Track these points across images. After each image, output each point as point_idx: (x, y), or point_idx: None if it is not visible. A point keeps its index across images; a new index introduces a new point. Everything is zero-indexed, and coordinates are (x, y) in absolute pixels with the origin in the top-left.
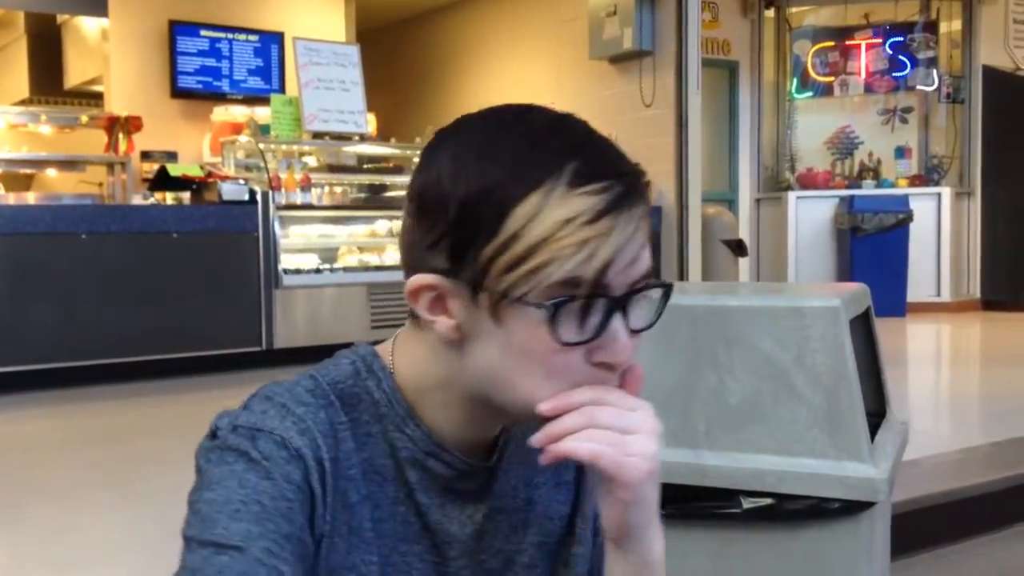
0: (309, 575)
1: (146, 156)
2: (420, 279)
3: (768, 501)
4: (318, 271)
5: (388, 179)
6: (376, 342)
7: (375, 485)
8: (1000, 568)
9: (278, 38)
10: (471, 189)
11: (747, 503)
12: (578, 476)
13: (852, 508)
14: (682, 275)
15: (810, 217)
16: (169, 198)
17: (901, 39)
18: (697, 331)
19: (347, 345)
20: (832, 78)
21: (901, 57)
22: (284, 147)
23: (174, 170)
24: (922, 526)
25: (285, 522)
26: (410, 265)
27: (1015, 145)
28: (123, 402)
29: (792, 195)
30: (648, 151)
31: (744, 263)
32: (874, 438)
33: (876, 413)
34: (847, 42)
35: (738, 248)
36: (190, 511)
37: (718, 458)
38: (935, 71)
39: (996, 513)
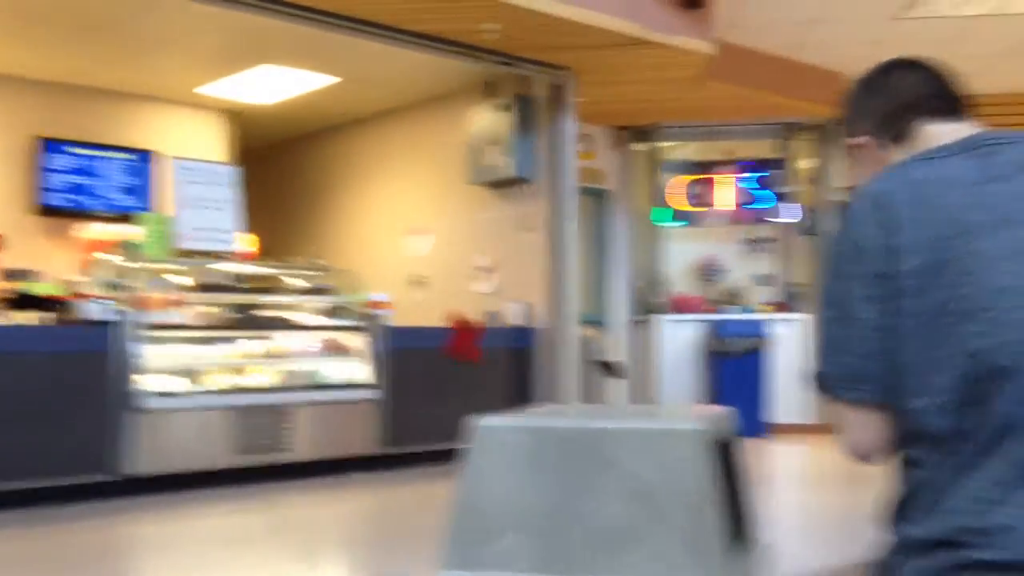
0: None
1: (9, 276)
2: None
3: None
4: (181, 393)
5: (262, 299)
6: None
7: None
8: None
9: (152, 156)
10: None
11: None
12: None
13: None
14: (558, 396)
15: (680, 339)
16: (31, 319)
17: (761, 174)
18: (570, 454)
19: (210, 473)
20: (699, 208)
21: (762, 191)
22: (155, 266)
23: (36, 289)
24: None
25: None
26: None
27: None
28: None
29: (663, 318)
30: (526, 274)
31: (617, 384)
32: (737, 559)
33: (738, 533)
34: (713, 175)
35: (612, 370)
36: None
37: None
38: (793, 204)
39: None
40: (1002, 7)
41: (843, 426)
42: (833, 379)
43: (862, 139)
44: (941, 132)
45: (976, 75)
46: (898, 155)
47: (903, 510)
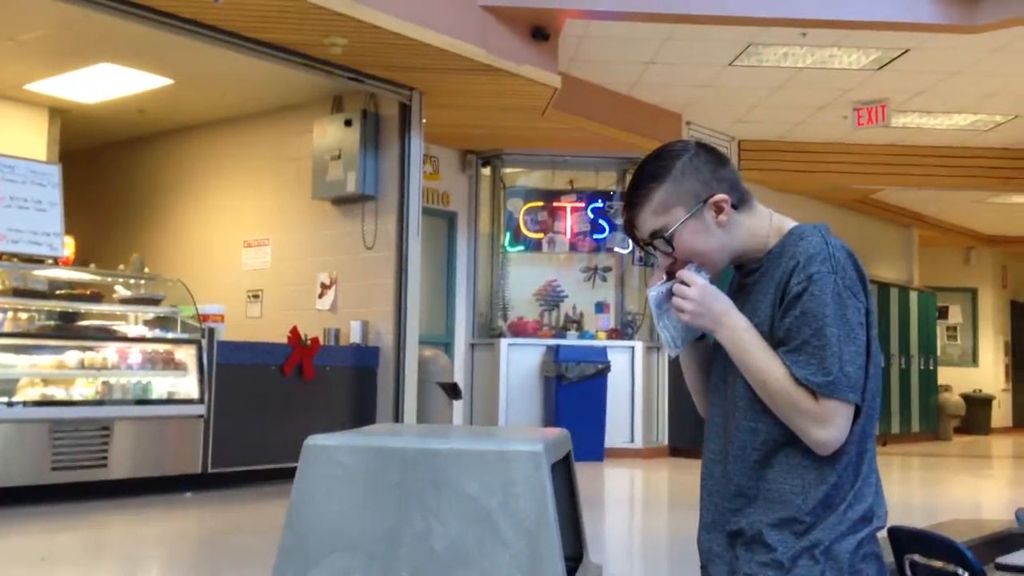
0: None
1: None
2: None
3: None
4: None
5: (83, 307)
6: None
7: None
8: None
9: None
10: None
11: None
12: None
13: None
14: (397, 416)
15: (520, 363)
16: None
17: (601, 205)
18: (406, 474)
19: (21, 491)
20: (541, 235)
21: (601, 221)
22: None
23: None
24: None
25: None
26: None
27: None
28: None
29: (504, 342)
30: (368, 292)
31: (458, 405)
32: None
33: (574, 557)
34: (555, 204)
35: (452, 391)
36: None
37: None
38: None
39: None
40: (824, 62)
41: (830, 421)
42: (840, 383)
43: (723, 198)
44: (767, 210)
45: (797, 124)
46: (741, 218)
47: (842, 496)
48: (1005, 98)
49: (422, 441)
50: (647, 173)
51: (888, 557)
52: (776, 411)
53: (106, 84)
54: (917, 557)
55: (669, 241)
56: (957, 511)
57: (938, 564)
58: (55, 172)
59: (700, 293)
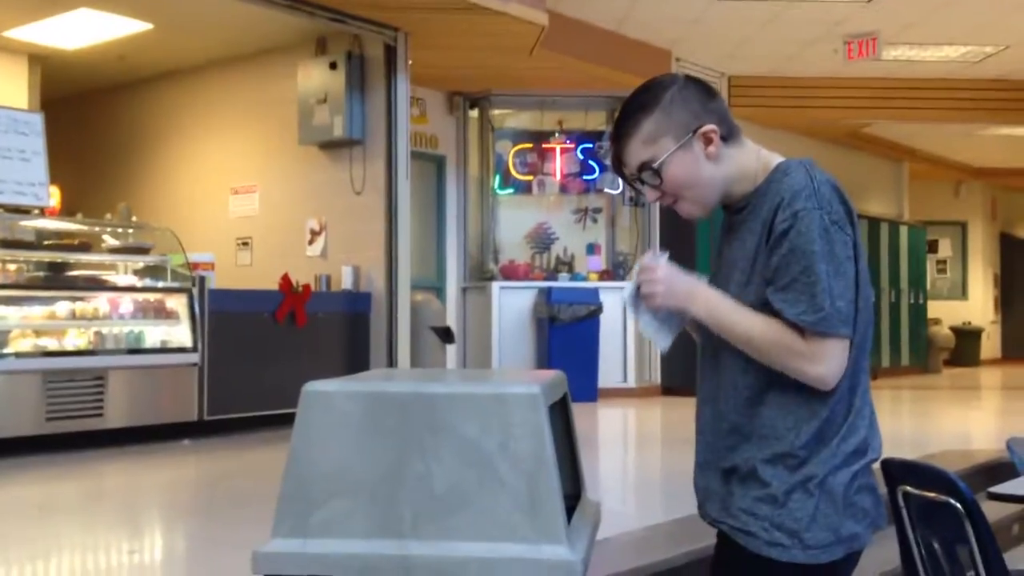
0: None
1: None
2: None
3: None
4: None
5: (72, 256)
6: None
7: None
8: None
9: None
10: None
11: None
12: None
13: None
14: (391, 361)
15: (512, 306)
16: None
17: (590, 145)
18: (404, 418)
19: (17, 441)
20: (531, 177)
21: (591, 162)
22: None
23: None
24: None
25: None
26: None
27: (686, 242)
28: None
29: (496, 285)
30: (358, 237)
31: (451, 349)
32: (571, 520)
33: (572, 495)
34: (544, 145)
35: (445, 335)
36: None
37: (424, 547)
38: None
39: None
40: None
41: (825, 358)
42: (832, 318)
43: (712, 129)
44: (755, 146)
45: (787, 58)
46: (730, 152)
47: (835, 430)
48: (995, 29)
49: (420, 385)
50: (635, 104)
51: (881, 489)
52: (768, 363)
53: (85, 29)
54: (910, 488)
55: (658, 173)
56: (948, 442)
57: (931, 494)
58: (37, 120)
59: (664, 274)
